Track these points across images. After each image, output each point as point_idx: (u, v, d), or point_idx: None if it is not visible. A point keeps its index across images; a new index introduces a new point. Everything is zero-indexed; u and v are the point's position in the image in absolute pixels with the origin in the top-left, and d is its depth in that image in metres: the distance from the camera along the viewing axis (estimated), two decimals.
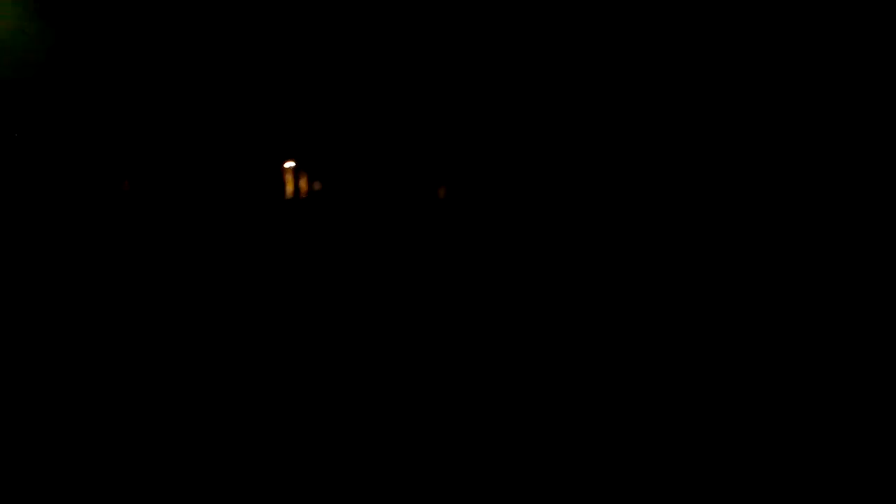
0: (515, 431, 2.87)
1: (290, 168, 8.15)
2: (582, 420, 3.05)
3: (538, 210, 7.88)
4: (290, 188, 8.17)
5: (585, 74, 7.49)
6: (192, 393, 3.44)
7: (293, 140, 8.14)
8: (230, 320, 6.29)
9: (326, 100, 8.06)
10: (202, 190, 7.90)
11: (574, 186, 7.60)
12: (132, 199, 7.71)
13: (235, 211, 7.96)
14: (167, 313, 6.74)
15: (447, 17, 7.82)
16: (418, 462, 2.53)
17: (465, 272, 7.73)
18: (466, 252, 7.90)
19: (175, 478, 2.40)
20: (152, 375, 3.75)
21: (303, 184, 8.19)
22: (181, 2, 7.61)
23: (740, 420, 3.24)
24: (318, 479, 2.38)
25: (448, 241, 7.91)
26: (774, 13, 6.58)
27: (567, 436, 2.84)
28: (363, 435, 2.77)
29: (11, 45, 6.83)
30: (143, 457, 2.61)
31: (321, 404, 3.33)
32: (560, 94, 7.56)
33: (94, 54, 7.45)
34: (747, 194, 6.92)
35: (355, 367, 4.09)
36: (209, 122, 7.91)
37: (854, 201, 6.49)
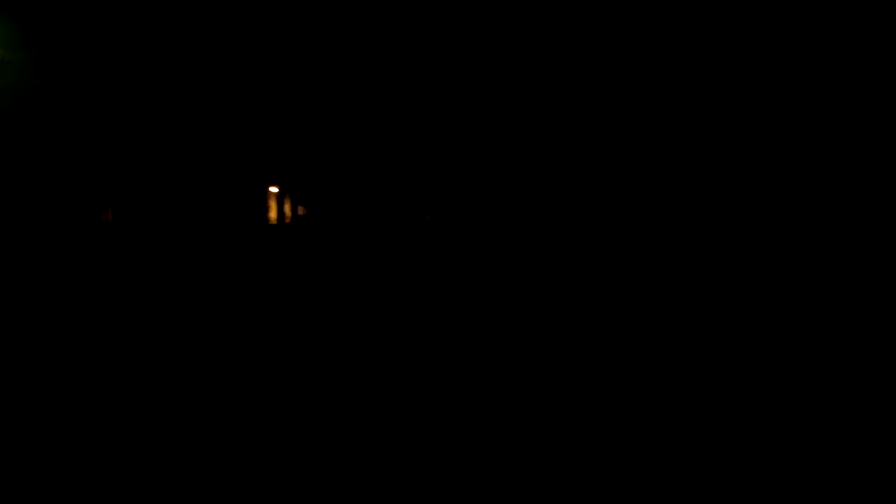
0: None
1: (274, 193, 8.24)
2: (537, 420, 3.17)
3: (524, 232, 8.06)
4: (273, 213, 8.25)
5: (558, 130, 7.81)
6: (174, 415, 3.59)
7: (277, 165, 8.23)
8: (217, 346, 6.26)
9: (311, 125, 8.16)
10: (186, 216, 7.90)
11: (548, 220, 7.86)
12: (116, 228, 7.64)
13: (220, 236, 7.98)
14: (154, 337, 6.70)
15: (426, 45, 8.01)
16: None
17: (450, 296, 7.86)
18: (453, 276, 8.11)
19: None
20: (135, 399, 3.88)
21: (287, 209, 8.28)
22: (162, 29, 7.62)
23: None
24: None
25: (435, 265, 8.10)
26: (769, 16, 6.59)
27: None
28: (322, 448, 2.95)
29: None
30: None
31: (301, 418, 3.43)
32: (532, 137, 7.87)
33: (76, 83, 7.37)
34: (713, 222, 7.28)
35: (338, 388, 4.20)
36: (194, 149, 7.92)
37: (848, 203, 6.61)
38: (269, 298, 7.86)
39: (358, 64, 8.14)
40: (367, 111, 8.22)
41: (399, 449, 3.02)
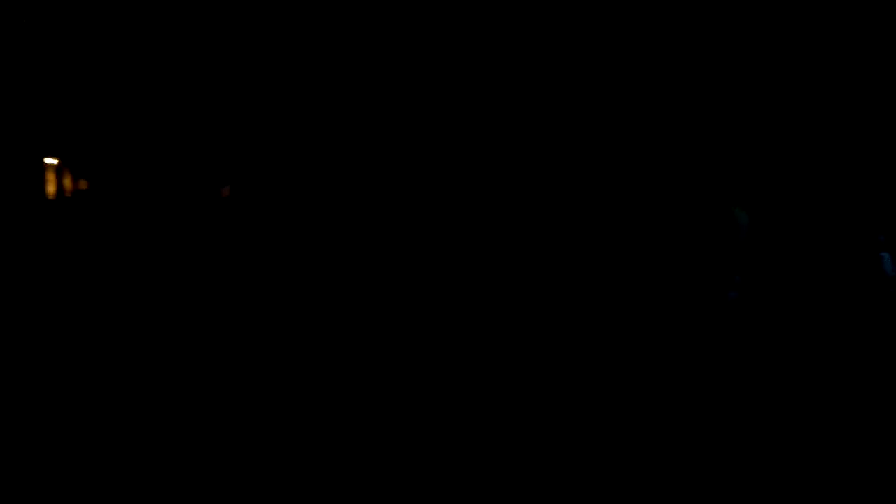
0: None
1: (52, 165, 7.57)
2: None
3: (324, 210, 8.02)
4: (52, 187, 7.59)
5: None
6: None
7: (55, 135, 7.54)
8: None
9: (95, 92, 7.56)
10: None
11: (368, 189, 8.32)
12: None
13: None
14: None
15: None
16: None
17: (249, 274, 7.73)
18: (251, 254, 7.95)
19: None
20: None
21: (67, 182, 7.67)
22: None
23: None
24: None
25: (232, 243, 7.97)
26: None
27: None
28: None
29: None
30: None
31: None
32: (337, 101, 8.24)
33: None
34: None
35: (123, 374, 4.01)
36: None
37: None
38: (44, 278, 7.26)
39: (139, 23, 7.54)
40: (156, 72, 7.67)
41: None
